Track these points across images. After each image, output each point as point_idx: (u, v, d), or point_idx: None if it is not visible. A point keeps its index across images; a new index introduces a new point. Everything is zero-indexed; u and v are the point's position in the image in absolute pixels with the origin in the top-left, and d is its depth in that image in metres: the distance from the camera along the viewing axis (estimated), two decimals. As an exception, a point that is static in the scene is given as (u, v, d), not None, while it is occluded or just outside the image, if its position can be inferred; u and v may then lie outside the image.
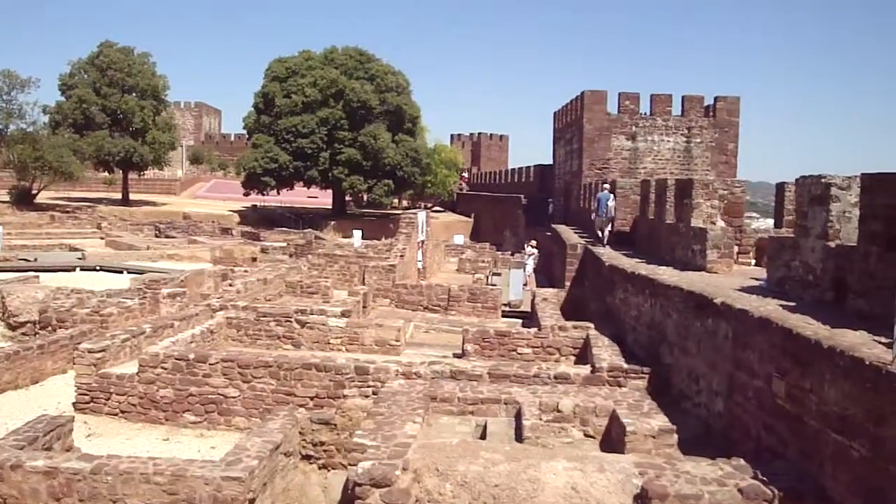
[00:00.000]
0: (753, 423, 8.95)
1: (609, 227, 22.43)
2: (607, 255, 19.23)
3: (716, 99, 36.76)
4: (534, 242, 30.44)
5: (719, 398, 10.22)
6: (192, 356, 12.87)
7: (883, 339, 7.25)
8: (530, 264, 30.52)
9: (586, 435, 10.14)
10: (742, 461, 7.73)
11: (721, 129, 36.36)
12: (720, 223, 15.42)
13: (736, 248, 15.74)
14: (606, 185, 23.93)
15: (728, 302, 10.18)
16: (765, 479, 7.24)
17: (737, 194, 16.40)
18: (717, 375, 10.33)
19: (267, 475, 9.21)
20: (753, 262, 16.39)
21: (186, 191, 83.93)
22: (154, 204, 65.86)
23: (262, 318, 16.69)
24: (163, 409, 12.70)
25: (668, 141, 36.29)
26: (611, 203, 22.37)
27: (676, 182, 17.88)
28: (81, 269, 28.84)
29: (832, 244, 9.79)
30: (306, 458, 11.40)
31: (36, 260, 29.59)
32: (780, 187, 18.59)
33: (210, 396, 12.67)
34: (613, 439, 9.72)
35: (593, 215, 23.11)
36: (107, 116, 59.47)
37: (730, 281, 12.92)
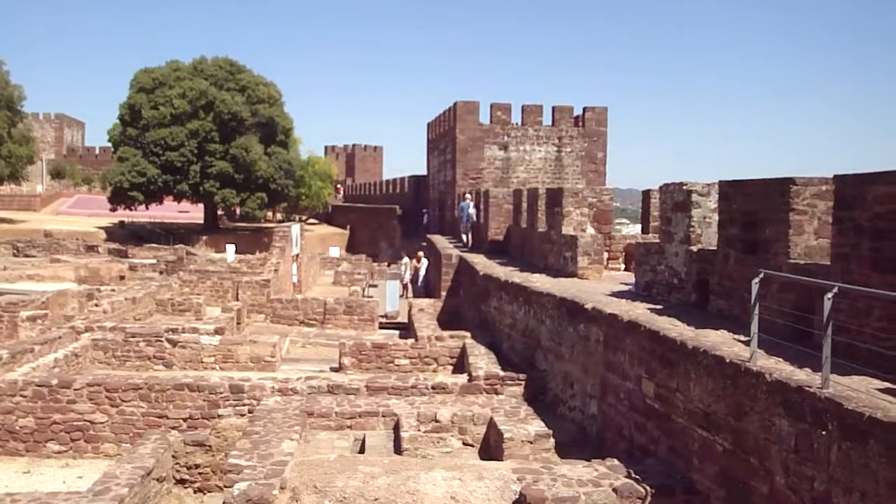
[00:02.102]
0: (626, 424, 9.22)
1: (471, 232, 26.07)
2: (482, 264, 19.47)
3: (585, 109, 37.81)
4: (420, 254, 30.43)
5: (593, 401, 10.48)
6: (54, 382, 12.25)
7: (742, 338, 7.61)
8: (407, 275, 30.54)
9: (465, 443, 10.21)
10: (616, 461, 7.95)
11: (590, 138, 37.41)
12: (590, 230, 15.85)
13: (606, 255, 16.22)
14: (468, 195, 28.02)
15: (598, 307, 10.46)
16: (637, 477, 7.47)
17: (605, 202, 16.91)
18: (590, 379, 10.59)
19: (139, 503, 8.85)
20: (623, 267, 16.92)
21: (48, 207, 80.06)
22: (11, 221, 62.46)
23: (130, 339, 16.06)
24: (23, 440, 12.02)
25: (540, 150, 37.06)
26: (471, 211, 26.30)
27: (548, 191, 18.28)
28: (-71, 294, 27.09)
29: (694, 248, 10.23)
30: (181, 482, 11.00)
31: None
32: (646, 194, 19.30)
33: (76, 423, 12.08)
34: (492, 446, 9.82)
35: (460, 224, 26.79)
36: (-44, 129, 56.20)
37: (601, 286, 13.29)
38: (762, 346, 6.86)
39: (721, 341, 7.67)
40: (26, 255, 41.53)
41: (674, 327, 8.52)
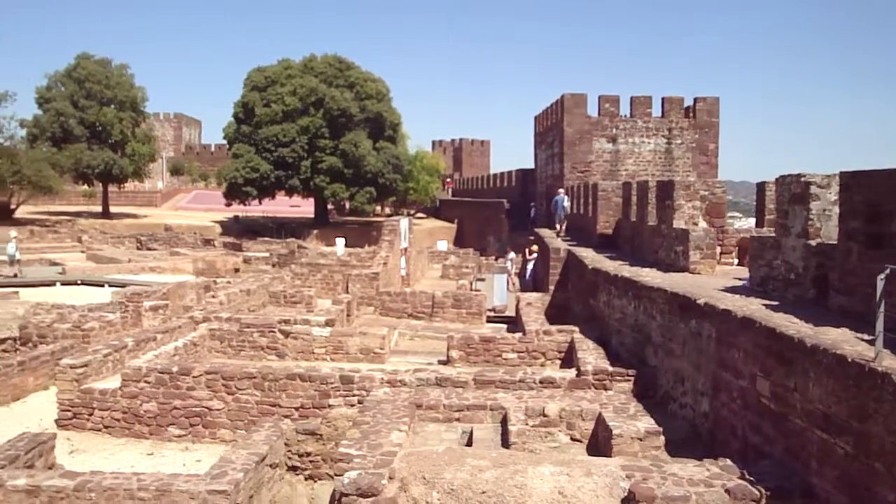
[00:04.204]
0: (739, 423, 8.96)
1: (564, 222, 28.60)
2: (591, 258, 19.26)
3: (695, 100, 36.98)
4: (535, 247, 30.43)
5: (705, 399, 10.23)
6: (175, 369, 12.76)
7: (865, 337, 7.28)
8: (514, 269, 30.51)
9: (573, 439, 10.11)
10: (728, 461, 7.73)
11: (701, 129, 36.57)
12: (702, 224, 15.47)
13: (718, 249, 15.78)
14: (561, 190, 30.62)
15: (711, 302, 10.19)
16: (752, 478, 7.24)
17: (718, 195, 16.44)
18: (702, 376, 10.34)
19: (253, 487, 9.14)
20: (736, 261, 16.45)
21: (167, 202, 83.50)
22: (135, 216, 65.46)
23: (245, 329, 16.58)
24: (146, 424, 12.58)
25: (649, 143, 36.45)
26: (566, 204, 28.89)
27: (658, 184, 17.93)
28: (62, 284, 28.63)
29: (813, 242, 9.83)
30: (292, 469, 11.31)
31: (16, 276, 29.33)
32: (761, 187, 18.70)
33: (194, 409, 12.56)
34: (600, 443, 9.71)
35: (555, 216, 29.38)
36: (85, 129, 59.08)
37: (713, 281, 12.96)
38: (888, 346, 6.54)
39: (842, 339, 7.35)
40: (148, 249, 43.51)
41: (791, 324, 8.22)
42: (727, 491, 7.01)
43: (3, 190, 54.52)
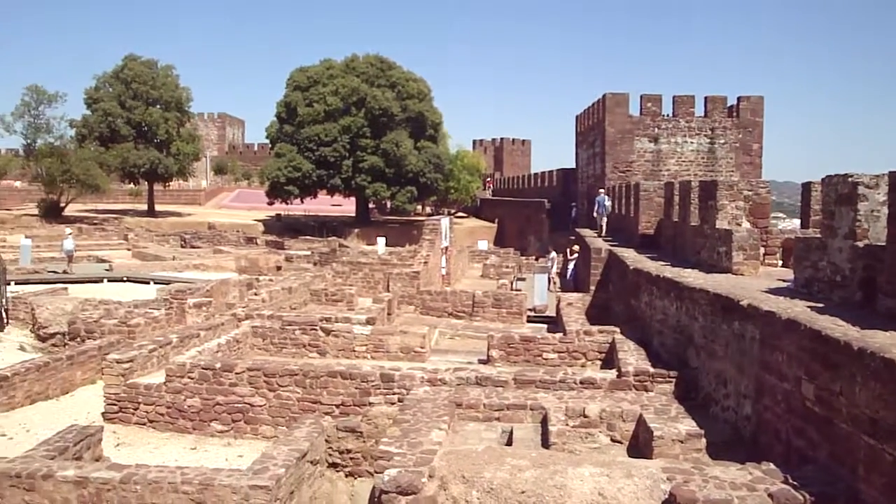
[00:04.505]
0: (783, 427, 8.84)
1: (605, 221, 29.13)
2: (632, 258, 19.12)
3: (739, 99, 36.49)
4: (576, 247, 30.30)
5: (747, 401, 10.11)
6: (218, 365, 12.93)
7: (914, 340, 7.14)
8: (554, 269, 30.42)
9: (613, 440, 10.06)
10: (772, 465, 7.63)
11: (745, 129, 36.09)
12: (746, 224, 15.28)
13: (762, 250, 15.57)
14: (602, 190, 31.54)
15: (755, 304, 10.07)
16: (795, 483, 7.13)
17: (762, 195, 16.23)
18: (744, 378, 10.22)
19: (294, 483, 9.23)
20: (780, 263, 16.23)
21: (211, 201, 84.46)
22: (179, 214, 66.33)
23: (287, 327, 16.74)
24: (190, 419, 12.78)
25: (692, 142, 36.07)
26: (607, 203, 29.52)
27: (700, 184, 17.75)
28: (109, 281, 29.14)
29: (860, 244, 9.66)
30: (333, 465, 11.40)
31: (64, 272, 29.90)
32: (807, 187, 18.42)
33: (237, 405, 12.72)
34: (640, 444, 9.65)
35: (594, 213, 30.06)
36: (132, 129, 60.01)
37: (756, 282, 12.80)
38: (937, 350, 6.42)
39: (891, 343, 7.21)
40: (192, 247, 44.09)
41: (837, 327, 8.08)
42: (770, 495, 6.91)
43: (54, 188, 55.59)
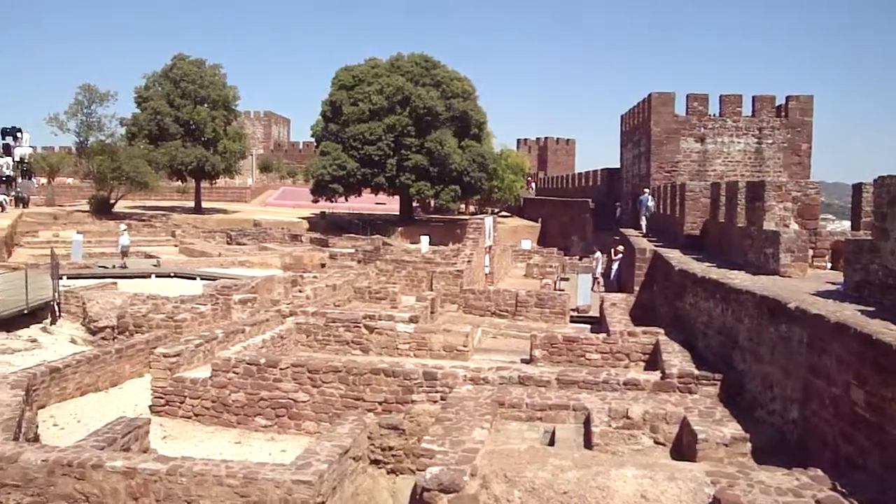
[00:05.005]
0: (830, 432, 8.70)
1: (645, 221, 29.52)
2: (677, 259, 18.94)
3: (788, 98, 35.91)
4: (621, 248, 30.12)
5: (794, 406, 9.96)
6: (263, 361, 13.08)
7: (968, 346, 6.98)
8: (598, 269, 30.24)
9: (656, 442, 9.98)
10: (819, 471, 7.49)
11: (794, 129, 35.51)
12: (794, 226, 15.06)
13: (811, 252, 15.33)
14: (646, 189, 31.90)
15: (803, 307, 9.92)
16: (844, 490, 6.99)
17: (811, 196, 15.97)
18: (791, 382, 10.07)
19: (336, 479, 9.30)
20: (829, 265, 15.95)
21: (256, 198, 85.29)
22: (225, 212, 67.08)
23: (331, 324, 16.87)
24: (235, 413, 12.95)
25: (739, 142, 35.58)
26: (650, 203, 29.97)
27: (748, 184, 17.52)
28: (157, 276, 29.59)
29: (913, 247, 9.47)
30: (375, 462, 11.46)
31: (114, 267, 30.43)
32: (857, 188, 18.06)
33: (280, 401, 12.86)
34: (684, 447, 9.56)
35: (640, 214, 30.44)
36: (180, 127, 60.84)
37: (804, 285, 12.61)
38: None
39: (943, 348, 7.07)
40: (238, 244, 44.56)
41: (888, 331, 7.93)
42: (818, 502, 6.79)
43: (104, 185, 56.59)
